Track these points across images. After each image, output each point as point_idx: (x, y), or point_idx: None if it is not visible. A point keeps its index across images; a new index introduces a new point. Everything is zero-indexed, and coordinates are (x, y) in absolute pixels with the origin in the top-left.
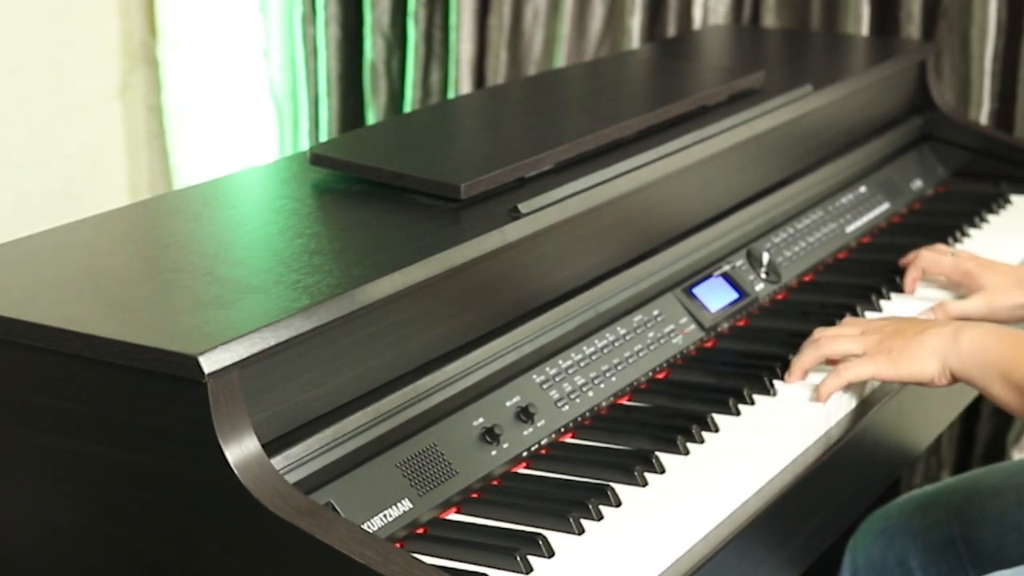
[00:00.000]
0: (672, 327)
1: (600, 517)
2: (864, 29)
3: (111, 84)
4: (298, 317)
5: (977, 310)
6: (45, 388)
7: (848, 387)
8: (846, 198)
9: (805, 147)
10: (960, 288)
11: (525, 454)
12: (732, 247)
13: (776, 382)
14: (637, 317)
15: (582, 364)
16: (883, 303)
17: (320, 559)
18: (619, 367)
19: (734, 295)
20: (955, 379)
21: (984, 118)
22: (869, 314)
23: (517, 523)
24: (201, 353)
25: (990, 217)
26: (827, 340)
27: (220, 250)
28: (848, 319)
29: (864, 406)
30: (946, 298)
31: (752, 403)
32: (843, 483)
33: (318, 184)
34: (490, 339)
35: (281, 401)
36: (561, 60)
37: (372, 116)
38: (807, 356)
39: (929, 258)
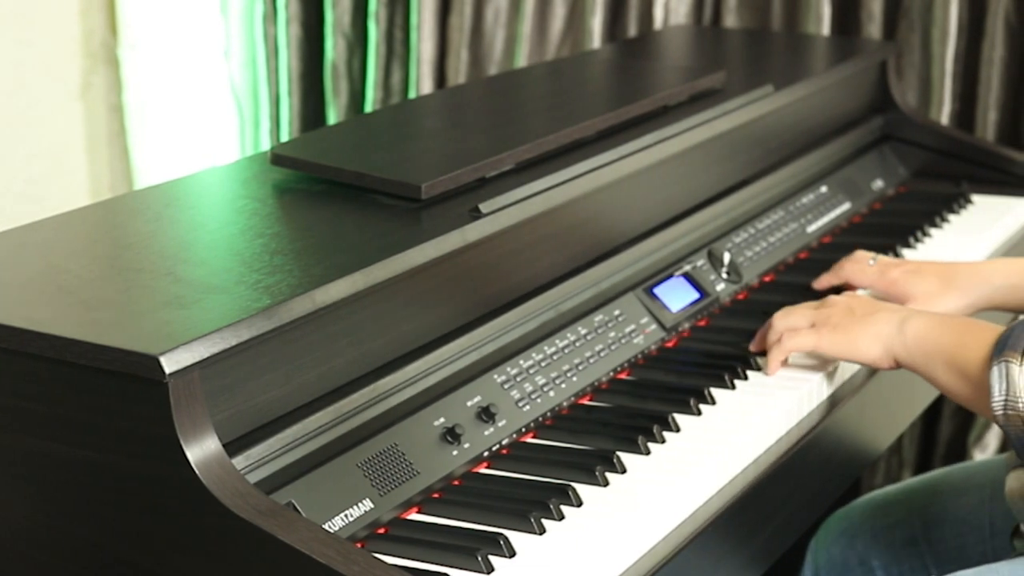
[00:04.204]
0: (633, 327)
1: (561, 517)
2: (825, 29)
3: (72, 84)
4: (259, 317)
5: None
6: (6, 388)
7: (810, 387)
8: (807, 198)
9: (766, 147)
10: (888, 298)
11: (486, 454)
12: (693, 247)
13: (737, 382)
14: (598, 317)
15: (543, 364)
16: None
17: (281, 559)
18: (580, 367)
19: (695, 295)
20: (899, 365)
21: (945, 118)
22: None
23: (478, 523)
24: (162, 353)
25: (951, 217)
26: (778, 318)
27: (181, 250)
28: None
29: (826, 405)
30: None
31: (713, 403)
32: (805, 482)
33: (279, 184)
34: (451, 339)
35: (242, 401)
36: (522, 60)
37: (333, 116)
38: (776, 356)
39: (851, 269)
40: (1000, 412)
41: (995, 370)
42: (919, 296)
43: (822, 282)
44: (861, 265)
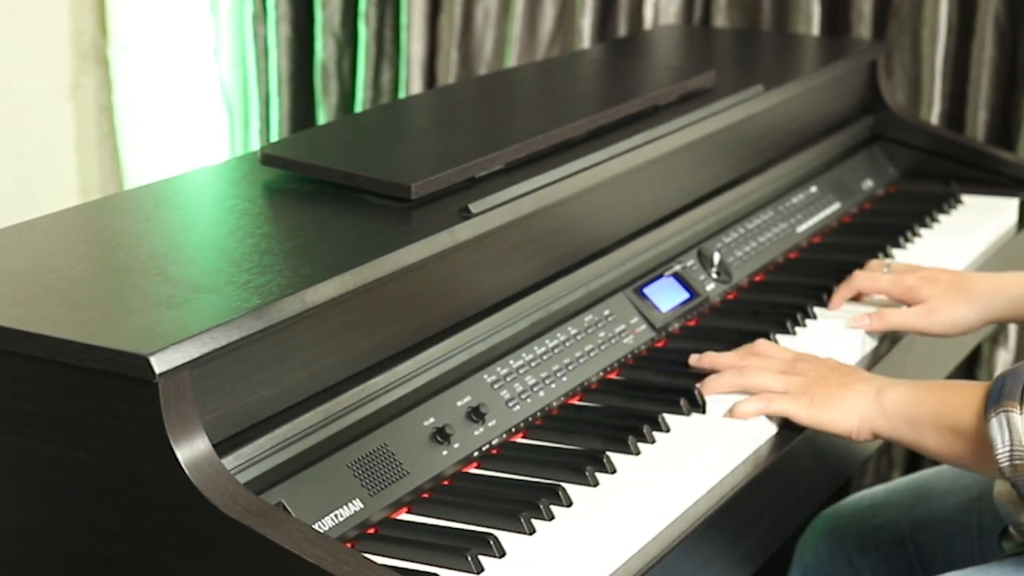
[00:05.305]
0: (623, 327)
1: (551, 517)
2: (815, 29)
3: (62, 84)
4: (249, 317)
5: (916, 322)
6: None
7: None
8: (797, 198)
9: (756, 147)
10: (903, 304)
11: (476, 454)
12: (683, 247)
13: None
14: (588, 317)
15: (533, 364)
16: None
17: (271, 559)
18: (570, 367)
19: (685, 295)
20: (876, 437)
21: (935, 118)
22: (819, 311)
23: (468, 523)
24: (152, 353)
25: (941, 217)
26: (751, 371)
27: (171, 250)
28: (765, 345)
29: None
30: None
31: (703, 403)
32: (794, 483)
33: (269, 184)
34: (441, 339)
35: (232, 401)
36: (512, 60)
37: (323, 116)
38: (727, 380)
39: (864, 278)
40: (1007, 464)
41: (994, 421)
42: (933, 302)
43: (836, 302)
44: (874, 273)
